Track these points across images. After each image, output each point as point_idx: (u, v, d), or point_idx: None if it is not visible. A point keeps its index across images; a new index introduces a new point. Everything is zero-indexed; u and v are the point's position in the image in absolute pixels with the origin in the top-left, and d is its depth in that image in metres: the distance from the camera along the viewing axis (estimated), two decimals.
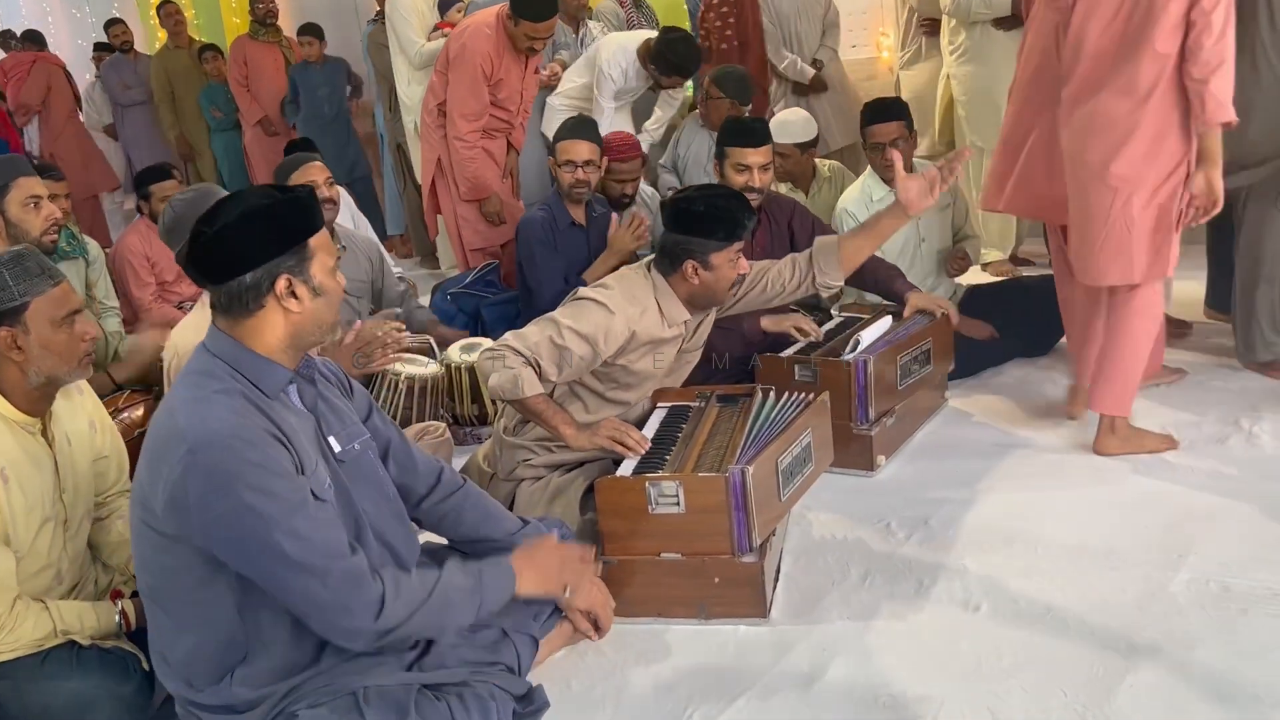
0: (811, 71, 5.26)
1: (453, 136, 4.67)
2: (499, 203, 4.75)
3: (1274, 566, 2.28)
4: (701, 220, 2.53)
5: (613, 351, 2.52)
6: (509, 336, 2.51)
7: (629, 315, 2.52)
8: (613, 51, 4.61)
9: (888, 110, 3.65)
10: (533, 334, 2.49)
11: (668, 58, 4.45)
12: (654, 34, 4.64)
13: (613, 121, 4.58)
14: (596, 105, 4.64)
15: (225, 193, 2.44)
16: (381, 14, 6.62)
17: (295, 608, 1.73)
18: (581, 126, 3.89)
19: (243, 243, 1.73)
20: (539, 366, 2.46)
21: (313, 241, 1.79)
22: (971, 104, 4.81)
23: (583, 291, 2.58)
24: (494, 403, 3.43)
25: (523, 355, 2.45)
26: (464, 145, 4.66)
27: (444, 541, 2.23)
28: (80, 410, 2.19)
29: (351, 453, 1.90)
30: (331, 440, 1.88)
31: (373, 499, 1.93)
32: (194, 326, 2.36)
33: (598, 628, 2.24)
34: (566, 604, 2.17)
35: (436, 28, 5.49)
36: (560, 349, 2.47)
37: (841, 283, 2.85)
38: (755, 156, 3.28)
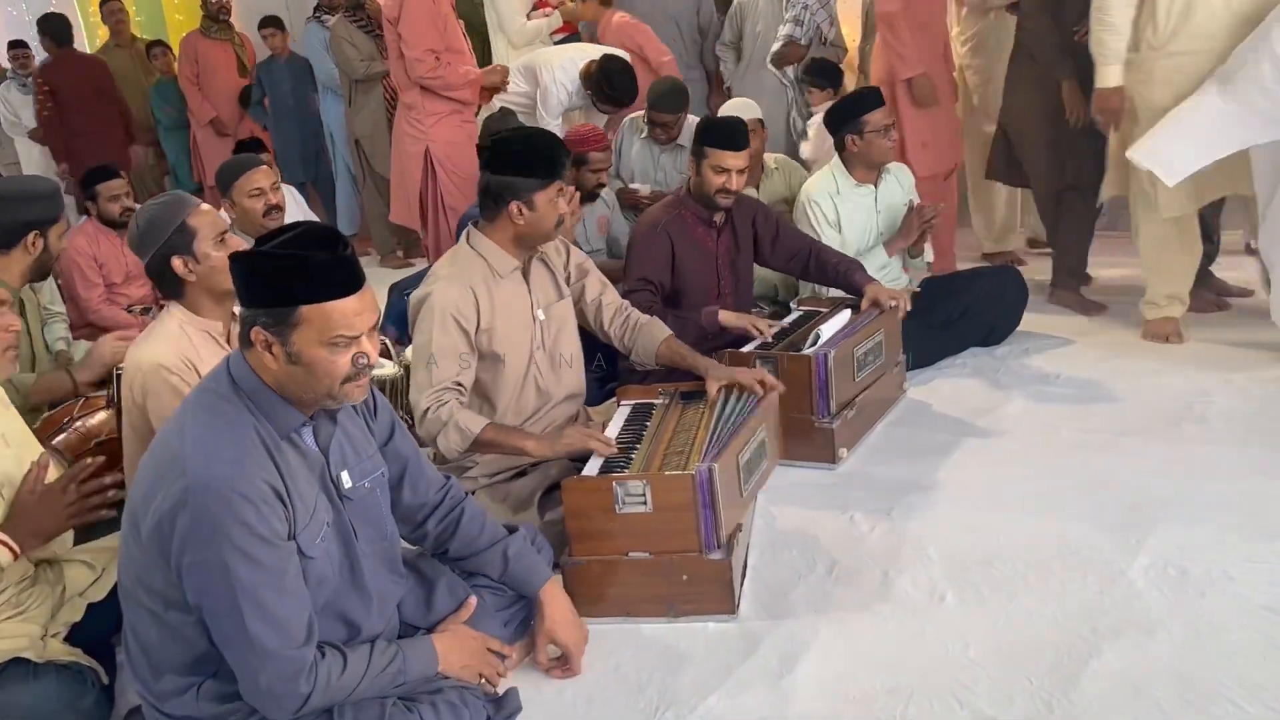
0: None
1: (418, 78, 4.68)
2: (500, 74, 4.80)
3: (1229, 549, 2.33)
4: (520, 160, 2.55)
5: (474, 317, 2.53)
6: (415, 397, 2.48)
7: (457, 280, 2.54)
8: (560, 67, 4.60)
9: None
10: (421, 373, 2.49)
11: (604, 89, 4.45)
12: (598, 54, 4.62)
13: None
14: (541, 119, 4.62)
15: (197, 202, 2.37)
16: (322, 9, 6.47)
17: (229, 661, 1.69)
18: (509, 118, 3.88)
19: (241, 278, 1.70)
20: (459, 386, 2.46)
21: (309, 310, 1.65)
22: (987, 90, 4.76)
23: (411, 301, 2.60)
24: None
25: (441, 398, 2.43)
26: (431, 76, 4.67)
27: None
28: None
29: (360, 490, 1.87)
30: (343, 476, 1.84)
31: (370, 539, 1.90)
32: (158, 338, 2.27)
33: (566, 666, 2.14)
34: (543, 634, 2.13)
35: (535, 6, 5.43)
36: (447, 355, 2.48)
37: (650, 366, 2.86)
38: (735, 160, 3.25)
